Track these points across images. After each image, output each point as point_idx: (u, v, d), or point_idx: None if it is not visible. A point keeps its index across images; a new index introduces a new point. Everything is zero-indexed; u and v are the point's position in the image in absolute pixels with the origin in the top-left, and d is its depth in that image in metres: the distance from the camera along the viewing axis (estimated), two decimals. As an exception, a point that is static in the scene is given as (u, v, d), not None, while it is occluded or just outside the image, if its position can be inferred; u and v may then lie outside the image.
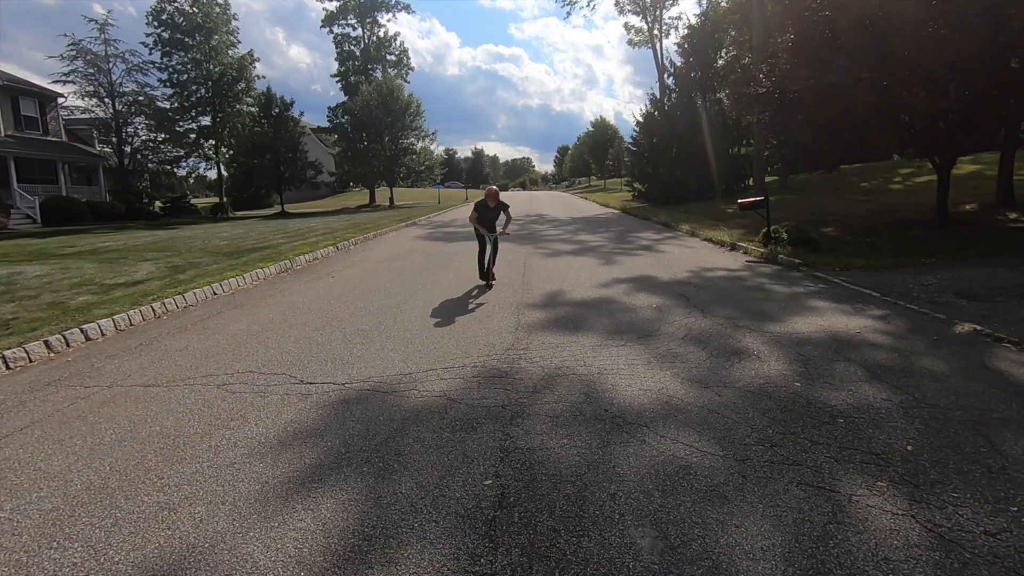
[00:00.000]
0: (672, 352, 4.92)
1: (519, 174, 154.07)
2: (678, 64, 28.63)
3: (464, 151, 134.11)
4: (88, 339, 5.92)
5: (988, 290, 6.99)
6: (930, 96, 8.81)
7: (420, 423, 3.59)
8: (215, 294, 8.17)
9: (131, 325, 6.54)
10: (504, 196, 8.19)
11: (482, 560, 2.28)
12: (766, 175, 24.63)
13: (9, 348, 5.16)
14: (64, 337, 5.68)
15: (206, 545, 2.43)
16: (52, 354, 5.47)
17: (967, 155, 16.64)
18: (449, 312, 6.62)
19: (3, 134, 25.15)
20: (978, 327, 5.45)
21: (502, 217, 8.38)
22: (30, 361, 5.25)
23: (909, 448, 3.15)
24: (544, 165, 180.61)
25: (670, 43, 44.01)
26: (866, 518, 2.51)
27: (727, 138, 26.79)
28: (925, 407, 3.68)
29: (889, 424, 3.45)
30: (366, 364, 4.80)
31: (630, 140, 33.93)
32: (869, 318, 5.96)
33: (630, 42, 39.86)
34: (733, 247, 11.71)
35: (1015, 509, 2.57)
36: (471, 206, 8.47)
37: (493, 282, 8.15)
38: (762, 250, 10.63)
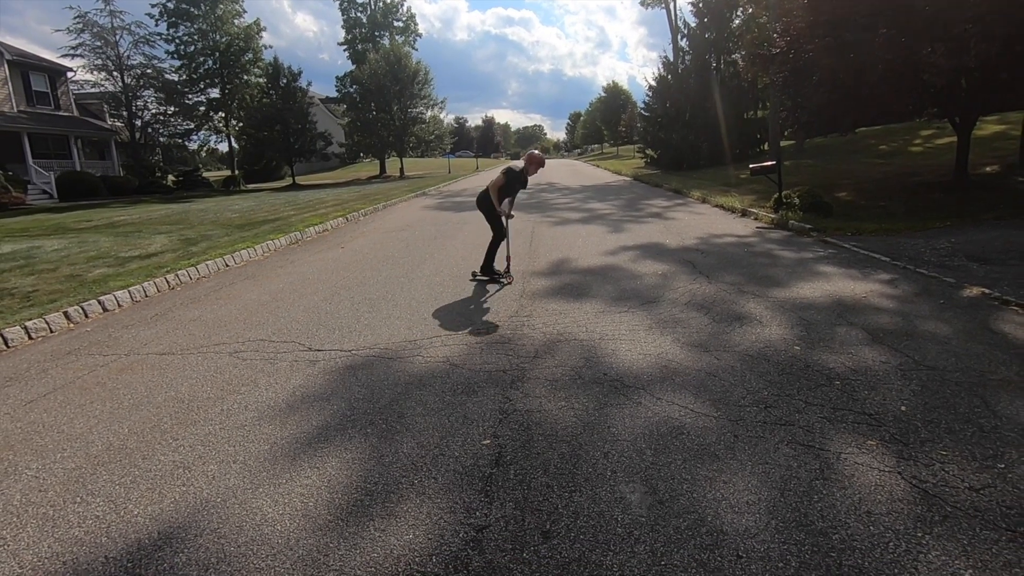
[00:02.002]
0: (674, 317, 4.96)
1: (531, 142, 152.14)
2: (692, 25, 27.81)
3: (475, 119, 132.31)
4: (105, 310, 6.10)
5: (1001, 253, 6.88)
6: (950, 52, 8.51)
7: (423, 387, 3.70)
8: (227, 266, 8.32)
9: (146, 296, 6.71)
10: (515, 164, 6.34)
11: (477, 513, 2.39)
12: (781, 139, 24.08)
13: (31, 319, 5.35)
14: (83, 308, 5.86)
15: (218, 500, 2.57)
16: (71, 325, 5.66)
17: (990, 115, 16.12)
18: (455, 281, 6.69)
19: (15, 110, 25.35)
20: (987, 290, 5.39)
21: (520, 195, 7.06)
22: (51, 332, 5.44)
23: (903, 409, 3.19)
24: (556, 132, 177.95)
25: (684, 2, 42.54)
26: (852, 475, 2.58)
27: (742, 101, 26.18)
28: (924, 369, 3.70)
29: (885, 386, 3.48)
30: (372, 332, 4.91)
31: (643, 105, 33.30)
32: (876, 283, 5.92)
33: (643, 2, 38.57)
34: (744, 213, 11.58)
35: (1002, 466, 2.61)
36: (493, 174, 6.94)
37: (506, 281, 6.43)
38: (773, 216, 10.51)
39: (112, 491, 2.70)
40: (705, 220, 11.12)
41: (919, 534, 2.18)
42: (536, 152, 6.54)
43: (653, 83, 29.40)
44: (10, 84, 25.20)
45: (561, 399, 3.44)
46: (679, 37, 30.51)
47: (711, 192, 14.87)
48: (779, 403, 3.30)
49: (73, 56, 31.51)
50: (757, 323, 4.75)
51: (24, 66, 26.52)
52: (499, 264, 6.65)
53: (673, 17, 36.88)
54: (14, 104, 25.30)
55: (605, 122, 69.24)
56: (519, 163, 6.52)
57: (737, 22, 28.26)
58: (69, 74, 29.57)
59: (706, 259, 7.35)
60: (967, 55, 8.28)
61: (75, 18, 31.44)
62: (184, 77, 38.06)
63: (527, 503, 2.44)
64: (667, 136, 27.71)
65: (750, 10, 26.84)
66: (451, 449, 2.92)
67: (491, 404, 3.40)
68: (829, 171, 17.39)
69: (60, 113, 28.21)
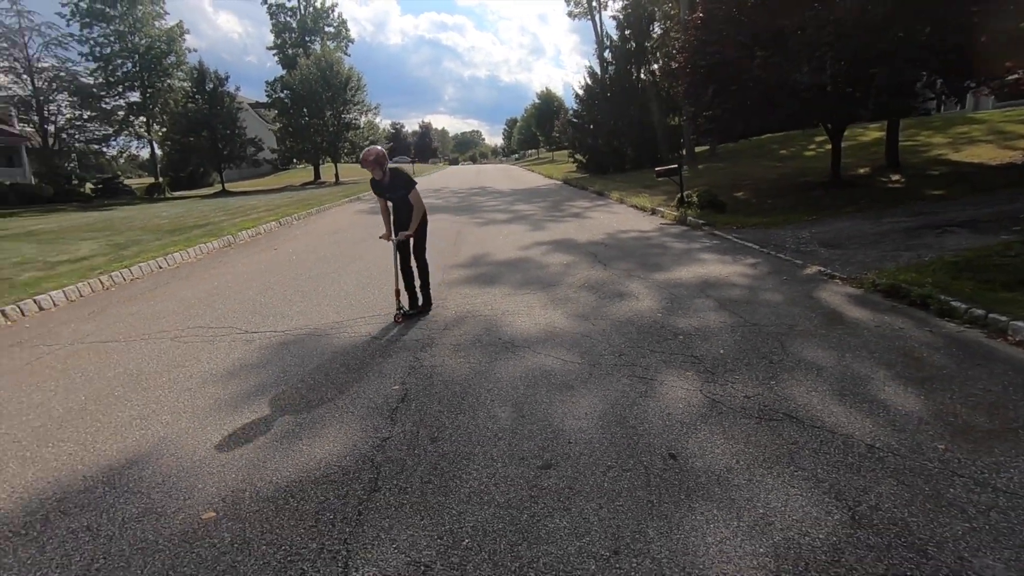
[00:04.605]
0: (567, 297, 5.87)
1: (469, 147, 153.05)
2: (614, 38, 29.49)
3: (412, 125, 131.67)
4: (41, 309, 6.38)
5: (848, 239, 8.24)
6: (812, 71, 9.97)
7: (346, 354, 4.40)
8: (160, 268, 8.62)
9: (81, 296, 7.00)
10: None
11: (383, 431, 3.14)
12: (697, 145, 26.01)
13: (-32, 317, 5.62)
14: (19, 307, 6.14)
15: (174, 436, 3.20)
16: (9, 322, 5.94)
17: (856, 124, 18.29)
18: (381, 275, 7.36)
19: (-89, 114, 23.70)
20: (822, 268, 6.62)
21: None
22: (-11, 329, 5.72)
23: (721, 352, 4.17)
24: (494, 138, 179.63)
25: (608, 15, 44.64)
26: (666, 393, 3.50)
27: (663, 109, 28.01)
28: (748, 325, 4.73)
29: (716, 338, 4.48)
30: (304, 316, 5.53)
31: (572, 112, 34.80)
32: (742, 265, 7.06)
33: (570, 14, 40.28)
34: (653, 212, 12.81)
35: (772, 383, 3.60)
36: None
37: (410, 311, 5.38)
38: (675, 214, 11.75)
39: (79, 437, 3.26)
40: (618, 218, 12.25)
41: (697, 423, 3.11)
42: (373, 148, 5.11)
43: (580, 92, 30.90)
44: (-96, 87, 23.56)
45: (461, 357, 4.23)
46: (604, 49, 32.21)
47: (628, 193, 16.14)
48: (631, 352, 4.22)
49: (-25, 58, 29.66)
50: (634, 298, 5.72)
51: (-81, 67, 24.83)
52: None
53: (599, 28, 38.74)
54: (-91, 108, 23.67)
55: (540, 128, 71.04)
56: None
57: (656, 35, 30.22)
58: (-29, 77, 27.82)
59: (608, 251, 8.36)
60: (824, 74, 9.75)
61: (-24, 17, 29.63)
62: (100, 80, 36.42)
63: (423, 423, 3.22)
64: (594, 142, 29.22)
65: (666, 24, 28.78)
66: (366, 393, 3.65)
67: (403, 363, 4.15)
68: (734, 173, 19.14)
69: (-38, 118, 26.53)
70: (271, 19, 48.45)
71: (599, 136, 28.67)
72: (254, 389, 3.82)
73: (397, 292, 5.26)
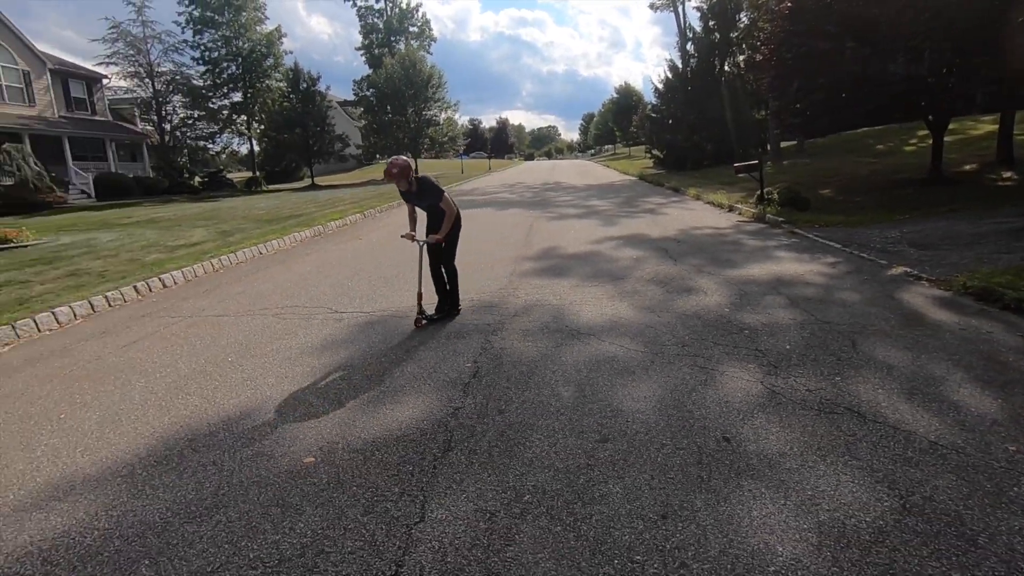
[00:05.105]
0: (635, 290, 5.99)
1: (545, 143, 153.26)
2: (697, 30, 28.67)
3: (489, 121, 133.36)
4: (165, 286, 7.29)
5: (941, 240, 7.77)
6: (908, 61, 9.40)
7: (424, 334, 4.79)
8: (260, 253, 9.51)
9: (196, 276, 7.90)
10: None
11: (456, 401, 3.47)
12: (782, 139, 24.83)
13: (109, 291, 6.54)
14: (147, 284, 7.05)
15: (278, 396, 3.69)
16: (140, 296, 6.85)
17: (965, 116, 16.83)
18: (458, 264, 7.76)
19: (57, 115, 27.04)
20: (909, 269, 6.33)
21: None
22: (125, 301, 6.63)
23: (787, 347, 4.19)
24: (570, 133, 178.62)
25: (692, 6, 43.22)
26: (726, 383, 3.60)
27: (747, 102, 26.96)
28: (819, 323, 4.68)
29: (783, 334, 4.48)
30: (387, 300, 6.01)
31: (651, 106, 34.20)
32: (819, 264, 6.87)
33: (652, 6, 39.37)
34: (730, 209, 12.52)
35: (838, 379, 3.61)
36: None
37: (435, 315, 5.20)
38: (753, 211, 11.44)
39: (203, 392, 3.83)
40: (693, 215, 12.08)
41: (754, 411, 3.21)
42: (398, 159, 4.93)
43: (660, 86, 30.31)
44: (51, 91, 26.91)
45: (529, 341, 4.50)
46: (687, 41, 31.34)
47: (705, 190, 15.79)
48: (694, 344, 4.32)
49: (108, 64, 33.32)
50: (702, 293, 5.76)
51: (64, 74, 28.26)
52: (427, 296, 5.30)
53: (682, 20, 37.71)
54: (55, 110, 27.01)
55: (617, 123, 70.03)
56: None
57: (742, 25, 29.05)
58: (104, 81, 31.33)
59: (680, 247, 8.34)
60: (922, 65, 9.17)
61: (110, 28, 33.27)
62: (209, 82, 39.77)
63: (491, 396, 3.52)
64: (672, 137, 28.60)
65: (753, 15, 27.59)
66: (442, 369, 4.00)
67: (475, 344, 4.48)
68: (821, 169, 18.19)
69: (96, 118, 29.93)
70: (360, 21, 50.88)
71: (678, 131, 28.04)
72: (343, 361, 4.28)
73: (419, 296, 5.08)
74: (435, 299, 5.33)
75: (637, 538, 2.21)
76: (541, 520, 2.34)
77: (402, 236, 5.23)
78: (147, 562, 2.20)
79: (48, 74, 26.81)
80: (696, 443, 2.88)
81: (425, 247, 5.18)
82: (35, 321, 5.58)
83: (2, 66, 24.74)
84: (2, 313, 5.71)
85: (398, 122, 39.88)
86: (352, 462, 2.84)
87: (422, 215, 5.35)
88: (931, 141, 12.72)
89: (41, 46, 27.17)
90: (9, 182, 20.00)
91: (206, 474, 2.81)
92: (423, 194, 5.11)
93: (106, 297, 6.41)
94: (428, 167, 47.64)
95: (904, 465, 2.63)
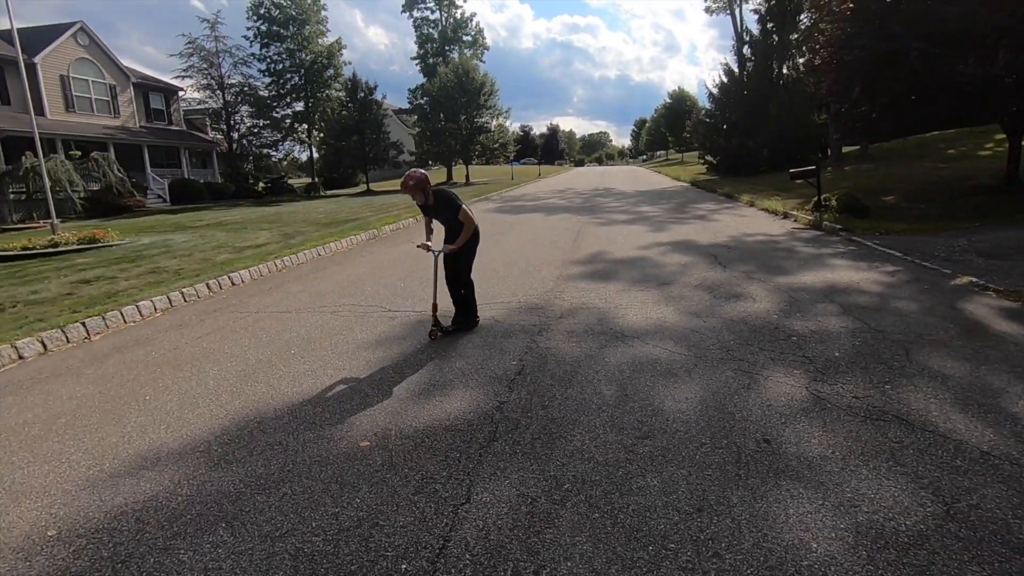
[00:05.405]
0: (681, 295, 6.00)
1: (596, 149, 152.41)
2: (754, 33, 28.01)
3: (540, 127, 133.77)
4: (233, 284, 7.81)
5: (1010, 250, 7.38)
6: (980, 62, 8.96)
7: (473, 333, 4.99)
8: (319, 255, 10.00)
9: (261, 275, 8.41)
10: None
11: (502, 396, 3.63)
12: (844, 144, 23.89)
13: (185, 287, 7.09)
14: (218, 282, 7.58)
15: (336, 385, 3.95)
16: (212, 293, 7.38)
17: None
18: (505, 267, 7.97)
19: (138, 125, 29.13)
20: (975, 279, 6.06)
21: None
22: (198, 297, 7.16)
23: (836, 355, 4.14)
24: (622, 139, 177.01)
25: (749, 8, 42.13)
26: (770, 387, 3.61)
27: (806, 106, 26.07)
28: (872, 332, 4.59)
29: (832, 341, 4.42)
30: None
31: (705, 111, 33.57)
32: (877, 272, 6.67)
33: (707, 9, 38.72)
34: (785, 215, 12.21)
35: (887, 387, 3.55)
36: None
37: (451, 327, 5.13)
38: (809, 218, 11.12)
39: (269, 380, 4.14)
40: (745, 222, 11.86)
41: (797, 415, 3.21)
42: (415, 172, 4.97)
43: (714, 91, 29.76)
44: (134, 103, 29.04)
45: (573, 342, 4.62)
46: (743, 45, 30.64)
47: (759, 196, 15.43)
48: (739, 348, 4.33)
49: (183, 77, 35.62)
50: (750, 299, 5.71)
51: (145, 87, 30.42)
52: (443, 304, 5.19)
53: (739, 23, 36.87)
54: (137, 120, 29.12)
55: (670, 128, 68.93)
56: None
57: (803, 26, 28.14)
58: (180, 93, 33.50)
59: (730, 253, 8.25)
60: (996, 64, 8.72)
61: (187, 44, 35.55)
62: (273, 92, 41.82)
63: (535, 392, 3.66)
64: (726, 142, 27.99)
65: (814, 15, 26.69)
66: (489, 366, 4.17)
67: (521, 343, 4.64)
68: (886, 175, 17.41)
69: (172, 128, 32.03)
70: (415, 31, 52.29)
71: (732, 136, 27.40)
72: (396, 356, 4.52)
73: (434, 307, 4.99)
74: (452, 311, 5.24)
75: (672, 528, 2.30)
76: (580, 507, 2.46)
77: (418, 246, 5.20)
78: (224, 525, 2.46)
79: (131, 88, 28.94)
80: (735, 443, 2.93)
81: (441, 258, 5.10)
82: (121, 313, 6.13)
83: (92, 81, 26.88)
84: (94, 305, 6.29)
85: (450, 129, 40.67)
86: (404, 447, 3.05)
87: (438, 227, 5.27)
88: (1007, 145, 12.01)
89: (125, 61, 29.36)
90: (96, 187, 21.72)
91: (273, 452, 3.07)
92: (441, 208, 5.07)
93: (182, 293, 6.95)
94: (478, 173, 48.34)
95: (951, 473, 2.60)
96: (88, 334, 5.68)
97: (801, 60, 27.53)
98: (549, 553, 2.19)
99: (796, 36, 27.63)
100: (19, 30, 12.71)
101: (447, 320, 5.19)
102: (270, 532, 2.40)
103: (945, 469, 2.64)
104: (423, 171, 4.96)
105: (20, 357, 5.06)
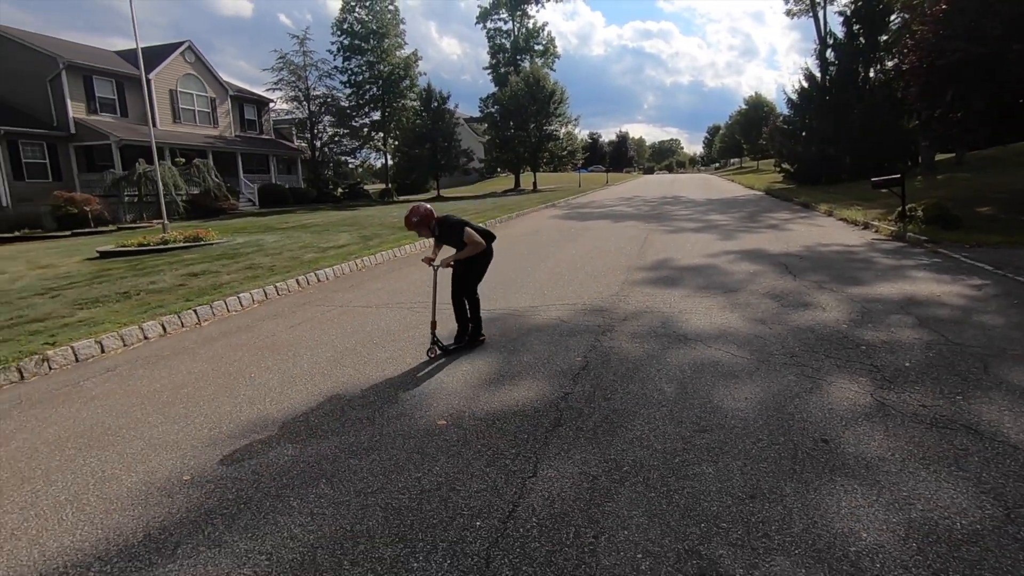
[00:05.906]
0: (747, 302, 6.02)
1: (666, 156, 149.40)
2: (839, 36, 26.80)
3: (608, 134, 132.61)
4: (319, 280, 8.49)
5: (1123, 266, 6.83)
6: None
7: (539, 331, 5.27)
8: (395, 256, 10.62)
9: (343, 273, 9.08)
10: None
11: (566, 387, 3.88)
12: (936, 152, 22.39)
13: (278, 282, 7.80)
14: (306, 278, 8.28)
15: (415, 371, 4.34)
16: (300, 288, 8.07)
17: None
18: (571, 271, 8.20)
19: (233, 134, 31.61)
20: (1074, 296, 5.71)
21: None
22: (289, 291, 7.85)
23: (906, 365, 4.09)
24: (693, 146, 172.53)
25: (834, 10, 40.18)
26: (833, 392, 3.65)
27: (895, 112, 24.64)
28: (949, 344, 4.48)
29: (904, 352, 4.36)
30: (504, 300, 6.58)
31: (783, 117, 32.38)
32: (962, 286, 6.39)
33: (788, 12, 37.30)
34: (865, 226, 11.73)
35: (959, 397, 3.51)
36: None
37: (454, 344, 4.98)
38: (892, 228, 10.64)
39: (355, 365, 4.59)
40: (821, 231, 11.49)
41: (859, 419, 3.26)
42: (419, 207, 4.96)
43: (793, 97, 28.69)
44: (231, 114, 31.57)
45: (636, 343, 4.79)
46: (826, 48, 29.33)
47: (839, 206, 14.83)
48: (804, 355, 4.36)
49: (273, 90, 38.30)
50: (820, 309, 5.66)
51: (240, 99, 33.01)
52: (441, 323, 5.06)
53: (822, 26, 35.28)
54: (232, 130, 31.64)
55: (745, 135, 66.64)
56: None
57: (893, 27, 26.61)
58: (270, 104, 36.04)
59: (801, 263, 8.09)
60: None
61: (278, 59, 38.25)
62: (353, 103, 44.08)
63: (598, 386, 3.88)
64: (805, 149, 26.90)
65: (906, 16, 25.21)
66: (554, 361, 4.43)
67: (585, 342, 4.87)
68: (983, 184, 16.23)
69: (263, 136, 34.55)
70: (488, 42, 53.58)
71: (811, 143, 26.29)
72: (468, 349, 4.86)
73: (433, 324, 4.84)
74: (454, 327, 5.11)
75: (724, 510, 2.47)
76: (638, 487, 2.67)
77: (423, 260, 5.15)
78: (324, 481, 2.86)
79: (229, 100, 31.47)
80: (793, 441, 3.04)
81: (447, 272, 5.07)
82: (225, 303, 6.86)
83: (196, 94, 29.49)
84: (203, 295, 7.07)
85: (520, 137, 41.33)
86: (477, 427, 3.36)
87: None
88: None
89: (222, 75, 31.94)
90: (196, 191, 23.80)
91: (362, 425, 3.47)
92: (447, 235, 5.03)
93: (275, 287, 7.65)
94: (546, 180, 48.71)
95: (1016, 481, 2.60)
96: (199, 320, 6.42)
97: (890, 63, 26.07)
98: (608, 522, 2.42)
99: (886, 38, 26.16)
100: (135, 50, 14.27)
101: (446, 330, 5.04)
102: (363, 489, 2.76)
103: (1010, 477, 2.64)
104: (427, 205, 4.98)
105: (145, 337, 5.82)
